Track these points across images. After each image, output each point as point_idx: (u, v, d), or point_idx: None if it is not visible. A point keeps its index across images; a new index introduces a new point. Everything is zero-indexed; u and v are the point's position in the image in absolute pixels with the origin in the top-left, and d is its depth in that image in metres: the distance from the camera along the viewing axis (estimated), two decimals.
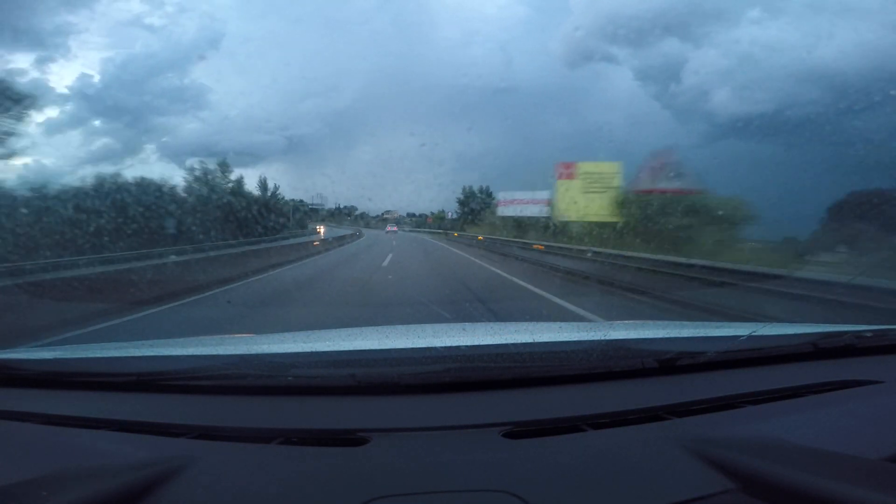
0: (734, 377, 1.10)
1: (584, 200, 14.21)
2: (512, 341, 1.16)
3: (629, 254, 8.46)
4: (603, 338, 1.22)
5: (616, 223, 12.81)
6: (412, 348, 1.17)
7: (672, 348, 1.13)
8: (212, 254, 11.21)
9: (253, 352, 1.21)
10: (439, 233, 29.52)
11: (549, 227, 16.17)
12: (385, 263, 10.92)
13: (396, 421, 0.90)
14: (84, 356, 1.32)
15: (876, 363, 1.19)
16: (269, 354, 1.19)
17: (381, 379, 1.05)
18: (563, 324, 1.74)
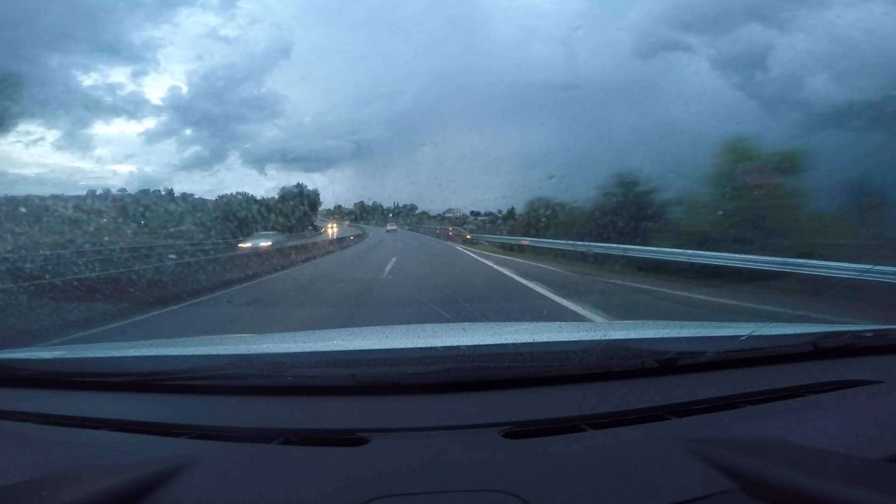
0: (734, 377, 1.09)
1: None
2: (512, 341, 1.16)
3: None
4: (603, 338, 1.22)
5: None
6: (412, 348, 1.17)
7: (672, 348, 1.13)
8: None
9: (253, 352, 1.21)
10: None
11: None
12: None
13: (396, 421, 0.90)
14: (84, 356, 1.32)
15: (876, 363, 1.19)
16: (269, 354, 1.20)
17: (381, 379, 1.05)
18: (563, 324, 1.74)
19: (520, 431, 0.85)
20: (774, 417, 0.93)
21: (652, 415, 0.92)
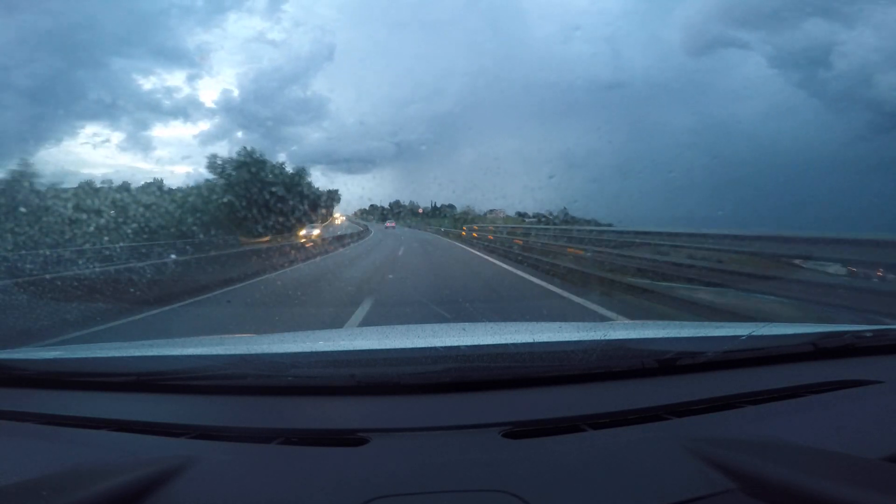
0: (734, 377, 1.09)
1: None
2: (512, 341, 1.16)
3: None
4: (603, 338, 1.22)
5: None
6: (412, 348, 1.17)
7: (672, 348, 1.13)
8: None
9: (253, 352, 1.21)
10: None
11: None
12: None
13: (396, 421, 0.90)
14: (84, 356, 1.32)
15: (876, 363, 1.19)
16: (269, 354, 1.19)
17: (381, 379, 1.05)
18: (563, 324, 1.73)
19: (520, 431, 0.85)
20: (774, 417, 0.93)
21: (652, 415, 0.92)
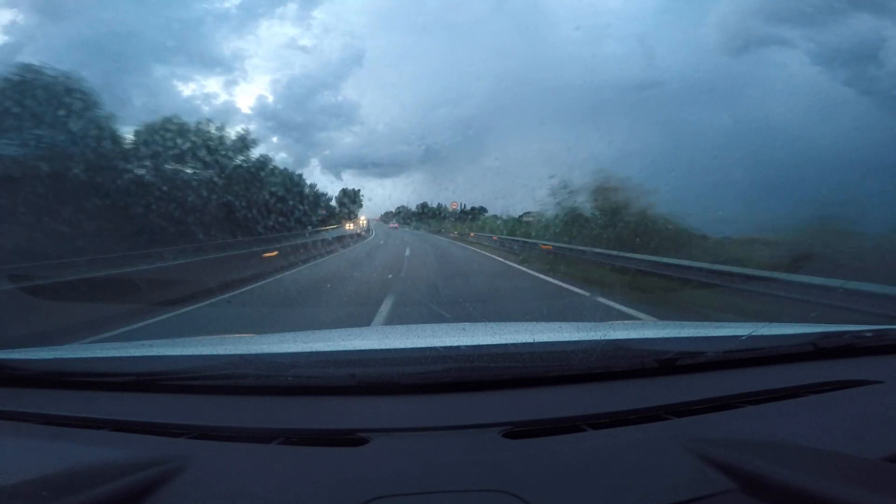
0: (734, 377, 1.09)
1: None
2: (512, 341, 1.16)
3: None
4: (603, 338, 1.22)
5: None
6: (412, 348, 1.17)
7: (672, 348, 1.13)
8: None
9: (253, 352, 1.21)
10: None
11: None
12: None
13: (396, 421, 0.90)
14: (84, 356, 1.32)
15: (876, 363, 1.19)
16: (269, 354, 1.19)
17: (381, 379, 1.05)
18: (563, 324, 1.73)
19: (520, 431, 0.85)
20: (774, 417, 0.93)
21: (652, 415, 0.92)
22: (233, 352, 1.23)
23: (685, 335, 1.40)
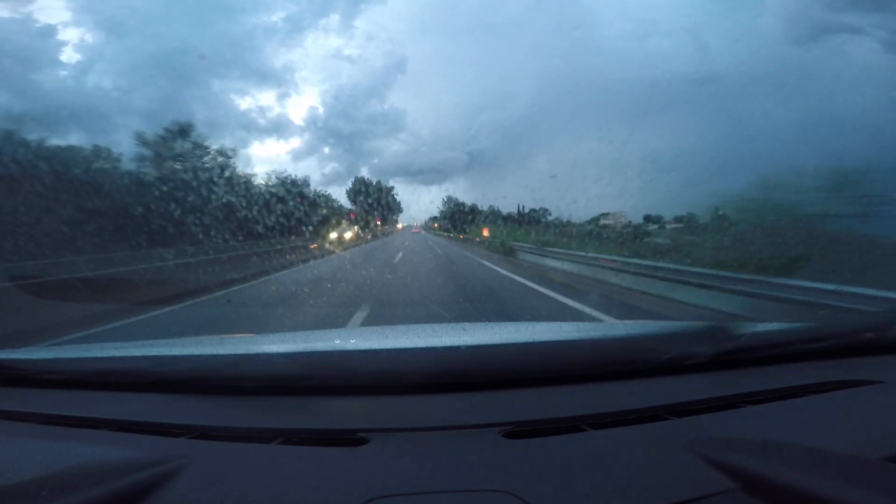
0: (734, 377, 1.09)
1: None
2: (512, 341, 1.16)
3: None
4: (603, 337, 1.22)
5: None
6: (412, 348, 1.17)
7: (672, 348, 1.13)
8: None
9: (253, 352, 1.21)
10: None
11: None
12: None
13: (396, 421, 0.90)
14: (84, 356, 1.32)
15: (876, 363, 1.19)
16: (269, 354, 1.19)
17: (381, 379, 1.05)
18: (563, 324, 1.74)
19: (520, 431, 0.85)
20: (774, 417, 0.93)
21: (652, 415, 0.92)
22: (233, 352, 1.23)
23: (685, 335, 1.40)
